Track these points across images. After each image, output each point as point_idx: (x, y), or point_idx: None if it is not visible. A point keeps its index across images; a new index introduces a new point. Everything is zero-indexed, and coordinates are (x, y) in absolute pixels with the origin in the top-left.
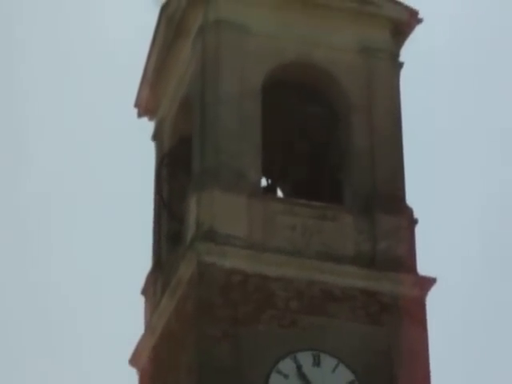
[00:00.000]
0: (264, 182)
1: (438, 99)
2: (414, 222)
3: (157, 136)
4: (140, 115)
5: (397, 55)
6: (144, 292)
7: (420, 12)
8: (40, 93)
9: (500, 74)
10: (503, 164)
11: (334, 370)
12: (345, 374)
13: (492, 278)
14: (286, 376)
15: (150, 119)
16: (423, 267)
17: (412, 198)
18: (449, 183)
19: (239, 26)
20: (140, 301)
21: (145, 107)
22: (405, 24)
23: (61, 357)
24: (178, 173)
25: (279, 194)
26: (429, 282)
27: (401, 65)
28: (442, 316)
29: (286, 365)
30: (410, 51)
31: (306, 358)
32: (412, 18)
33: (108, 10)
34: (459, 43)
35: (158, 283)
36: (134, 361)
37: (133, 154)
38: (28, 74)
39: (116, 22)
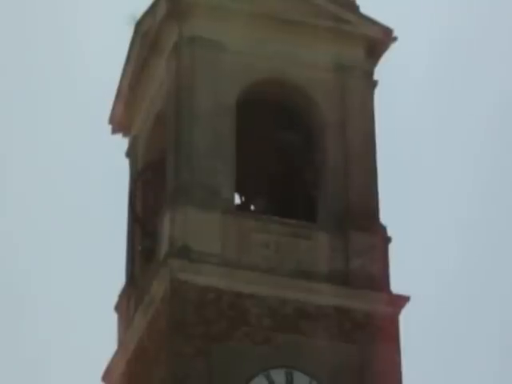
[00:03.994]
0: (238, 199)
1: (412, 117)
2: (388, 240)
3: (131, 152)
4: (114, 131)
5: (371, 73)
6: (117, 308)
7: (394, 31)
8: (12, 103)
9: (475, 93)
10: (476, 183)
11: None
12: None
13: (465, 296)
14: None
15: (125, 135)
16: (396, 285)
17: (386, 217)
18: (422, 201)
19: (214, 42)
20: (113, 317)
21: (119, 123)
22: (379, 42)
23: (34, 373)
24: (152, 190)
25: (253, 211)
26: (402, 300)
27: (375, 83)
28: (415, 334)
29: (259, 382)
30: (385, 69)
31: (278, 376)
32: (386, 37)
33: (83, 25)
34: (433, 61)
35: (131, 300)
36: (106, 377)
37: (107, 170)
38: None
39: (91, 37)
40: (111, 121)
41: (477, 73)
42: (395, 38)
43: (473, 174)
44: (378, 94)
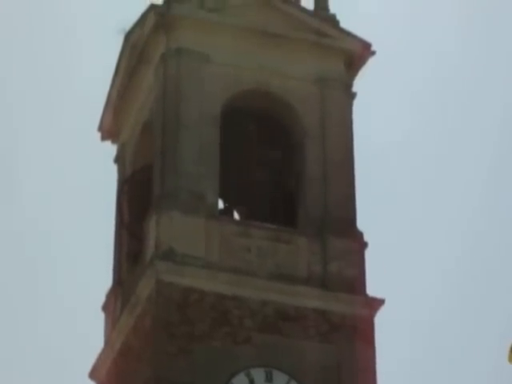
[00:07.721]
0: (221, 204)
1: (389, 127)
2: (364, 245)
3: (119, 159)
4: (103, 139)
5: (350, 85)
6: (104, 308)
7: (373, 45)
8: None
9: (451, 103)
10: (448, 188)
11: None
12: None
13: (435, 299)
14: None
15: (113, 143)
16: (372, 288)
17: (363, 223)
18: (398, 209)
19: (200, 54)
20: (100, 316)
21: (108, 131)
22: (358, 56)
23: (23, 369)
24: (139, 194)
25: (236, 216)
26: (377, 303)
27: (354, 94)
28: (390, 335)
29: (240, 380)
30: (363, 82)
31: (258, 374)
32: (365, 51)
33: (74, 35)
34: (410, 74)
35: (118, 300)
36: (93, 374)
37: (96, 175)
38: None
39: (82, 47)
40: (100, 128)
41: (453, 85)
42: (374, 52)
43: (448, 179)
44: (356, 105)
